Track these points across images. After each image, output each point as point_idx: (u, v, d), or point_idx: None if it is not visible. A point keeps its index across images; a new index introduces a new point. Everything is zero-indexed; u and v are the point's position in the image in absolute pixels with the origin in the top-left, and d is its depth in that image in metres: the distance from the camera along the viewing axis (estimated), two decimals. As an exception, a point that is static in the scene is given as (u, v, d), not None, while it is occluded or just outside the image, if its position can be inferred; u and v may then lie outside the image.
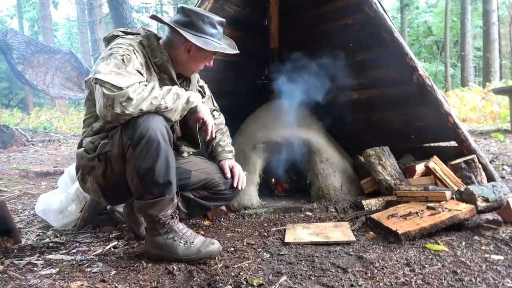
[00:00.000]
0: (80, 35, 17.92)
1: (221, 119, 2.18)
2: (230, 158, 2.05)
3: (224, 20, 1.83)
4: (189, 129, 1.95)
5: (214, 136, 1.85)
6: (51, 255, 1.84)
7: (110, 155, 1.60)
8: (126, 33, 1.81)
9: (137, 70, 1.59)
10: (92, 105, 1.68)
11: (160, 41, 1.79)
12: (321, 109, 3.23)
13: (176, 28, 1.70)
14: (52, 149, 7.47)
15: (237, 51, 1.87)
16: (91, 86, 1.61)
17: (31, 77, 8.19)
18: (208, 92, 2.15)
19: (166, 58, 1.75)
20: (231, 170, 1.99)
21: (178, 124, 1.91)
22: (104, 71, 1.49)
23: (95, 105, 1.59)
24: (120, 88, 1.44)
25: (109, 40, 1.78)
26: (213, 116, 2.10)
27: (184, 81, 1.96)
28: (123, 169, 1.60)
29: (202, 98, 2.09)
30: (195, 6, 1.83)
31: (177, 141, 1.95)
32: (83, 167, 1.72)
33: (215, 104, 2.20)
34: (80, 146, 1.75)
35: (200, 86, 2.10)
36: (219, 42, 1.80)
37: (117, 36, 1.77)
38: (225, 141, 2.09)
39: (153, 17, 1.89)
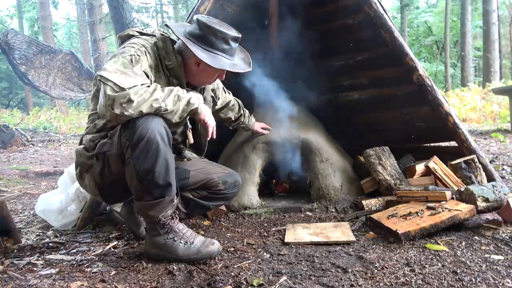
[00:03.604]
0: (80, 35, 17.91)
1: (232, 97, 2.38)
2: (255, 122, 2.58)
3: (240, 36, 1.79)
4: (197, 135, 1.96)
5: (214, 137, 1.86)
6: (51, 255, 1.83)
7: (108, 155, 1.60)
8: (142, 34, 1.81)
9: (144, 72, 1.58)
10: (98, 102, 1.68)
11: (175, 46, 1.79)
12: (321, 109, 3.23)
13: (186, 42, 1.69)
14: (52, 149, 7.47)
15: (249, 69, 1.84)
16: (98, 83, 1.61)
17: (33, 78, 8.16)
18: (219, 90, 2.23)
19: (179, 63, 1.75)
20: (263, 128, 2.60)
21: (190, 130, 1.91)
22: (110, 69, 1.49)
23: None
24: (122, 89, 1.43)
25: (123, 39, 1.79)
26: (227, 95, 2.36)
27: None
28: (121, 169, 1.60)
29: (214, 102, 2.17)
30: (206, 16, 1.80)
31: (189, 146, 1.97)
32: (82, 164, 1.72)
33: (226, 90, 2.37)
34: (80, 143, 1.76)
35: (212, 90, 2.11)
36: (230, 58, 1.78)
37: (132, 35, 1.78)
38: (244, 114, 2.45)
39: (167, 26, 1.89)
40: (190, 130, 1.91)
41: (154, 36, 1.80)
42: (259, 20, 3.23)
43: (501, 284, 1.29)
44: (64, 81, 8.78)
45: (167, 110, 1.55)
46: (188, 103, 1.62)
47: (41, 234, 2.26)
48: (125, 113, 1.45)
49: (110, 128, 1.65)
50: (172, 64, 1.74)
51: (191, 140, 1.91)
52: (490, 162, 3.18)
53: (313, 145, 2.63)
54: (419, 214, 1.85)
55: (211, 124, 1.76)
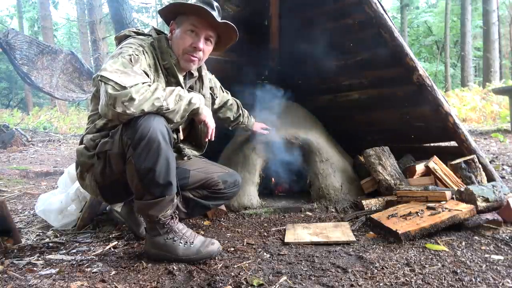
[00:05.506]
0: (80, 35, 17.91)
1: (230, 97, 2.38)
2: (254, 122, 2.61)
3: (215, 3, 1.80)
4: (196, 132, 1.96)
5: (212, 139, 1.86)
6: (51, 255, 1.83)
7: (110, 154, 1.61)
8: (138, 34, 1.81)
9: (143, 71, 1.59)
10: (98, 102, 1.68)
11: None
12: (321, 109, 3.23)
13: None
14: (52, 149, 7.48)
15: (219, 18, 1.76)
16: (98, 83, 1.61)
17: (36, 79, 8.15)
18: (217, 88, 2.23)
19: (174, 62, 1.75)
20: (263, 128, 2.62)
21: (181, 128, 1.92)
22: (110, 69, 1.49)
23: None
24: (124, 88, 1.43)
25: (120, 39, 1.79)
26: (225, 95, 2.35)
27: (197, 82, 1.97)
28: (122, 168, 1.60)
29: (213, 100, 2.16)
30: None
31: (180, 143, 1.96)
32: (82, 164, 1.72)
33: (224, 90, 2.36)
34: (81, 142, 1.76)
35: (210, 88, 2.11)
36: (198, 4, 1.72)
37: (129, 36, 1.78)
38: (242, 114, 2.45)
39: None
40: (181, 128, 1.92)
41: (150, 36, 1.80)
42: (259, 20, 3.23)
43: (501, 284, 1.29)
44: (66, 83, 8.77)
45: (169, 109, 1.55)
46: (190, 103, 1.63)
47: (41, 234, 2.26)
48: (127, 111, 1.45)
49: (111, 128, 1.65)
50: (168, 64, 1.75)
51: (181, 136, 1.92)
52: (490, 162, 3.18)
53: (313, 145, 2.63)
54: (419, 214, 1.85)
55: (211, 125, 1.77)
